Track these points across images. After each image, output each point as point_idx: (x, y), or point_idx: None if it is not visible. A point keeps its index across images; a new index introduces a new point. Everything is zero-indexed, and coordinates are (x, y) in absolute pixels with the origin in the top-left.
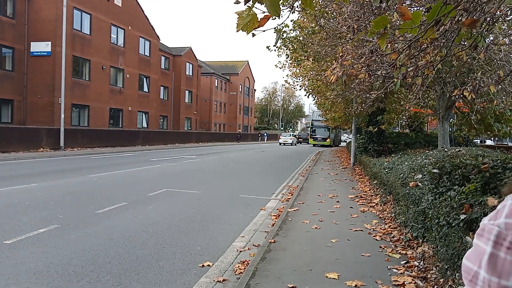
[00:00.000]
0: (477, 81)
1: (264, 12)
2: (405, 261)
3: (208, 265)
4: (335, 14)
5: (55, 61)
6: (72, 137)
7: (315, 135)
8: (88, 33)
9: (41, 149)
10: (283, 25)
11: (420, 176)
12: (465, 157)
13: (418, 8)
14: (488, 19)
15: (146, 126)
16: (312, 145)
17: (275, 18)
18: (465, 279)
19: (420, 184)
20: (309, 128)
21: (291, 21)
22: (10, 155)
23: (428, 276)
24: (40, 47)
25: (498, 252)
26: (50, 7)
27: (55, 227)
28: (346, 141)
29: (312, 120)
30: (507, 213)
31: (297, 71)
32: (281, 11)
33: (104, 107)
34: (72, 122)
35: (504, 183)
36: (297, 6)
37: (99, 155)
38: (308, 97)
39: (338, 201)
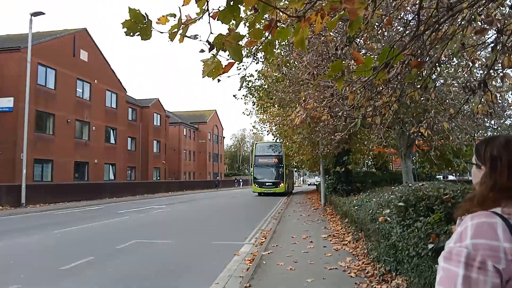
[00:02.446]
0: (431, 119)
1: (228, 59)
2: None
3: None
4: (296, 62)
5: (18, 116)
6: (34, 193)
7: (261, 178)
8: (53, 88)
9: (0, 207)
10: (248, 74)
11: (388, 210)
12: (428, 190)
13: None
14: (433, 61)
15: (113, 178)
16: (256, 194)
17: (239, 67)
18: None
19: (388, 218)
20: (251, 168)
21: (256, 71)
22: None
23: None
24: (2, 103)
25: (470, 273)
26: (14, 63)
27: None
28: (315, 184)
29: (255, 156)
30: (472, 235)
31: (264, 117)
32: (245, 60)
33: (69, 160)
34: (35, 177)
35: (456, 207)
36: (260, 57)
37: (64, 210)
38: (275, 141)
39: (311, 241)
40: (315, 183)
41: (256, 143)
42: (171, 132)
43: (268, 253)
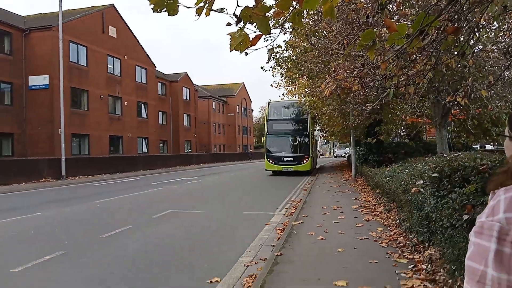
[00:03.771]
0: (468, 87)
1: (255, 32)
2: (412, 265)
3: (217, 281)
4: (325, 32)
5: (53, 93)
6: (73, 166)
7: (277, 151)
8: (85, 65)
9: (43, 179)
10: (275, 44)
11: (421, 181)
12: (463, 160)
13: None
14: (471, 26)
15: (146, 151)
16: (270, 172)
17: (267, 39)
18: (472, 281)
19: (421, 189)
20: (264, 139)
21: (283, 41)
22: (13, 187)
23: (437, 278)
24: (38, 80)
25: (503, 248)
26: (46, 42)
27: (61, 254)
28: (343, 155)
29: (268, 120)
30: (505, 208)
31: (292, 89)
32: (273, 32)
33: (104, 135)
34: (73, 151)
35: (489, 180)
36: (288, 27)
37: (101, 182)
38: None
39: (342, 212)
40: (343, 154)
41: (270, 103)
42: (200, 105)
43: (299, 223)
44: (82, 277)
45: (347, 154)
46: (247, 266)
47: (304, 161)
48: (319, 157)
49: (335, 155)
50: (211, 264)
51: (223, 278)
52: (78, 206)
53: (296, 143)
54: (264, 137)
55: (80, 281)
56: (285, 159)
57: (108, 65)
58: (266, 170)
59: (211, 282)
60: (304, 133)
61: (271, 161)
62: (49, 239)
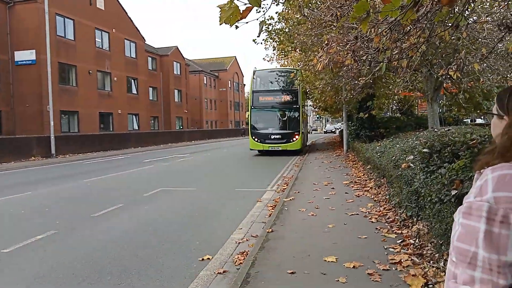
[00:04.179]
0: (461, 60)
1: (246, 4)
2: (401, 240)
3: (208, 258)
4: (318, 3)
5: (41, 69)
6: (63, 144)
7: (262, 128)
8: (72, 39)
9: (33, 158)
10: (268, 16)
11: (412, 157)
12: (454, 135)
13: None
14: None
15: (137, 128)
16: (256, 151)
17: (259, 11)
18: (462, 262)
19: (412, 164)
20: (248, 113)
21: (276, 13)
22: (2, 166)
23: (424, 252)
24: (25, 56)
25: (492, 228)
26: (32, 15)
27: (52, 233)
28: (332, 131)
29: (253, 92)
30: (494, 187)
31: (285, 62)
32: (265, 3)
33: (94, 111)
34: (62, 129)
35: (475, 160)
36: None
37: (92, 160)
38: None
39: (333, 188)
40: (333, 130)
41: (255, 71)
42: (191, 81)
43: (290, 199)
44: (75, 257)
45: (339, 129)
46: (239, 243)
47: (294, 139)
48: (310, 133)
49: (324, 130)
50: (202, 241)
51: (214, 255)
52: (68, 184)
53: (285, 118)
54: (249, 112)
55: (71, 261)
56: (272, 136)
57: (96, 39)
58: (251, 149)
59: (202, 259)
60: (294, 106)
61: (256, 139)
62: (40, 219)
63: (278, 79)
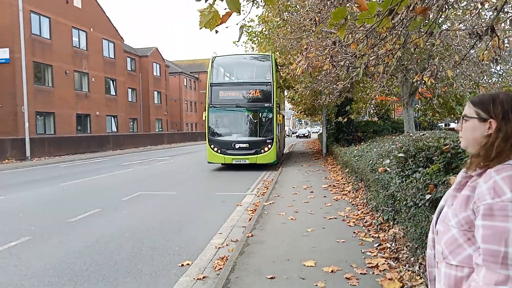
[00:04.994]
0: (435, 66)
1: (225, 9)
2: (378, 244)
3: (188, 264)
4: (298, 7)
5: (15, 68)
6: (38, 146)
7: (225, 133)
8: (48, 37)
9: (6, 160)
10: (248, 19)
11: (388, 161)
12: (428, 140)
13: None
14: (440, 5)
15: (115, 130)
16: (219, 165)
17: (239, 14)
18: (494, 264)
19: (388, 169)
20: (205, 113)
21: (256, 16)
22: None
23: (400, 256)
24: None
25: None
26: (5, 12)
27: (27, 239)
28: (305, 135)
29: (211, 85)
30: (511, 188)
31: None
32: (245, 6)
33: (70, 113)
34: (38, 130)
35: (468, 162)
36: (261, 1)
37: (68, 163)
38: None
39: (312, 192)
40: (306, 134)
41: (214, 58)
42: (171, 82)
43: (270, 203)
44: (49, 264)
45: (318, 132)
46: (219, 248)
47: (266, 149)
48: (290, 136)
49: (296, 134)
50: (182, 247)
51: (194, 261)
52: (44, 188)
53: (254, 121)
54: (206, 112)
55: (47, 268)
56: (237, 145)
57: (73, 38)
58: (209, 163)
59: (182, 265)
60: (267, 105)
61: (215, 149)
62: (14, 224)
63: (246, 68)
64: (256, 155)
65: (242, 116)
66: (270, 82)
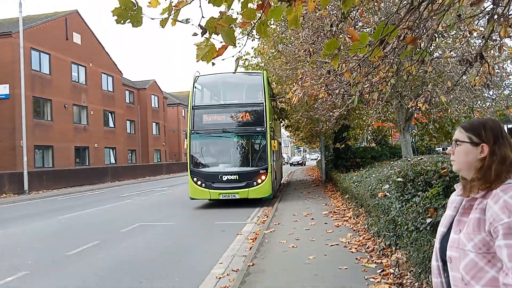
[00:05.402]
0: (429, 92)
1: (221, 42)
2: (381, 270)
3: None
4: (292, 39)
5: (15, 103)
6: (36, 179)
7: (210, 164)
8: (48, 73)
9: (4, 195)
10: (244, 52)
11: (387, 186)
12: (426, 164)
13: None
14: (429, 34)
15: (114, 162)
16: (206, 201)
17: (235, 47)
18: None
19: (388, 194)
20: (186, 141)
21: (252, 48)
22: None
23: (404, 281)
24: None
25: None
26: (6, 49)
27: (23, 274)
28: (299, 162)
29: (193, 108)
30: None
31: None
32: (241, 39)
33: (69, 146)
34: (36, 164)
35: (470, 186)
36: (256, 34)
37: (67, 196)
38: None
39: (312, 218)
40: (300, 161)
41: (198, 78)
42: (170, 113)
43: (270, 231)
44: None
45: (317, 159)
46: (219, 278)
47: (259, 181)
48: (286, 164)
49: (290, 162)
50: (182, 278)
51: None
52: (41, 222)
53: (245, 148)
54: (188, 139)
55: None
56: (225, 177)
57: (73, 73)
58: (192, 199)
59: None
60: (259, 129)
61: (199, 183)
62: (11, 259)
63: (234, 88)
64: (247, 188)
65: (230, 143)
66: (262, 103)
